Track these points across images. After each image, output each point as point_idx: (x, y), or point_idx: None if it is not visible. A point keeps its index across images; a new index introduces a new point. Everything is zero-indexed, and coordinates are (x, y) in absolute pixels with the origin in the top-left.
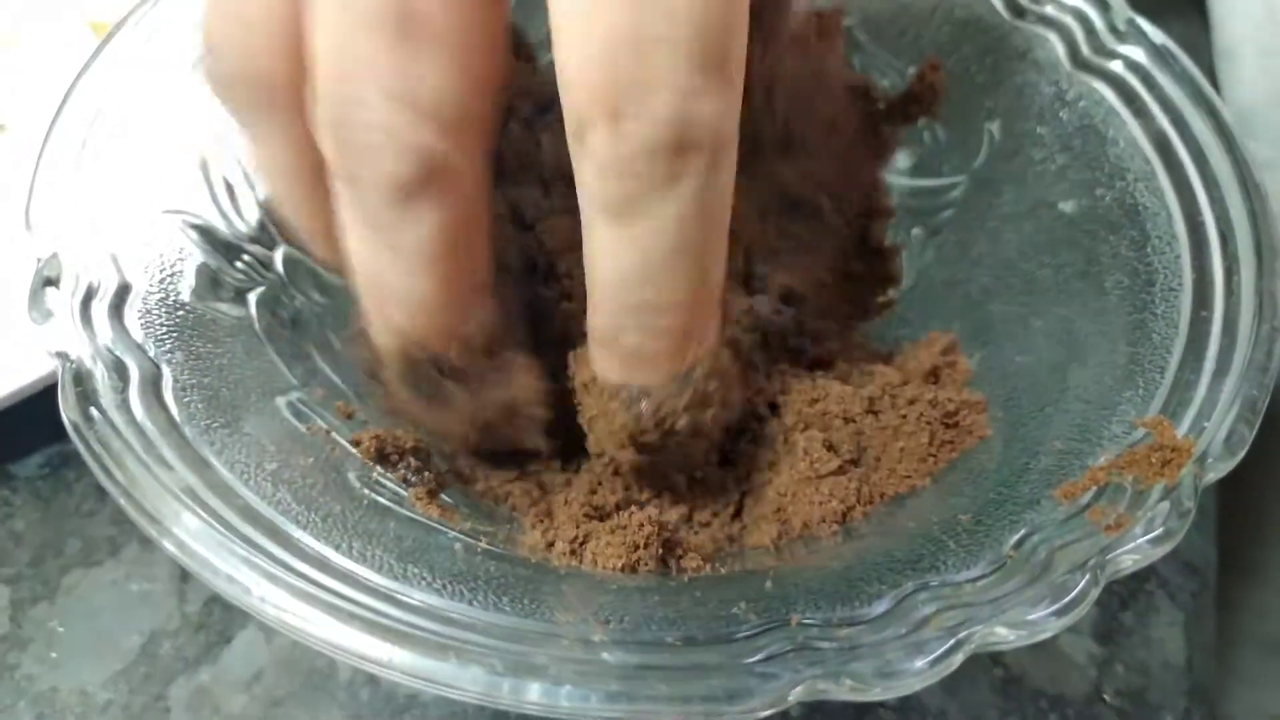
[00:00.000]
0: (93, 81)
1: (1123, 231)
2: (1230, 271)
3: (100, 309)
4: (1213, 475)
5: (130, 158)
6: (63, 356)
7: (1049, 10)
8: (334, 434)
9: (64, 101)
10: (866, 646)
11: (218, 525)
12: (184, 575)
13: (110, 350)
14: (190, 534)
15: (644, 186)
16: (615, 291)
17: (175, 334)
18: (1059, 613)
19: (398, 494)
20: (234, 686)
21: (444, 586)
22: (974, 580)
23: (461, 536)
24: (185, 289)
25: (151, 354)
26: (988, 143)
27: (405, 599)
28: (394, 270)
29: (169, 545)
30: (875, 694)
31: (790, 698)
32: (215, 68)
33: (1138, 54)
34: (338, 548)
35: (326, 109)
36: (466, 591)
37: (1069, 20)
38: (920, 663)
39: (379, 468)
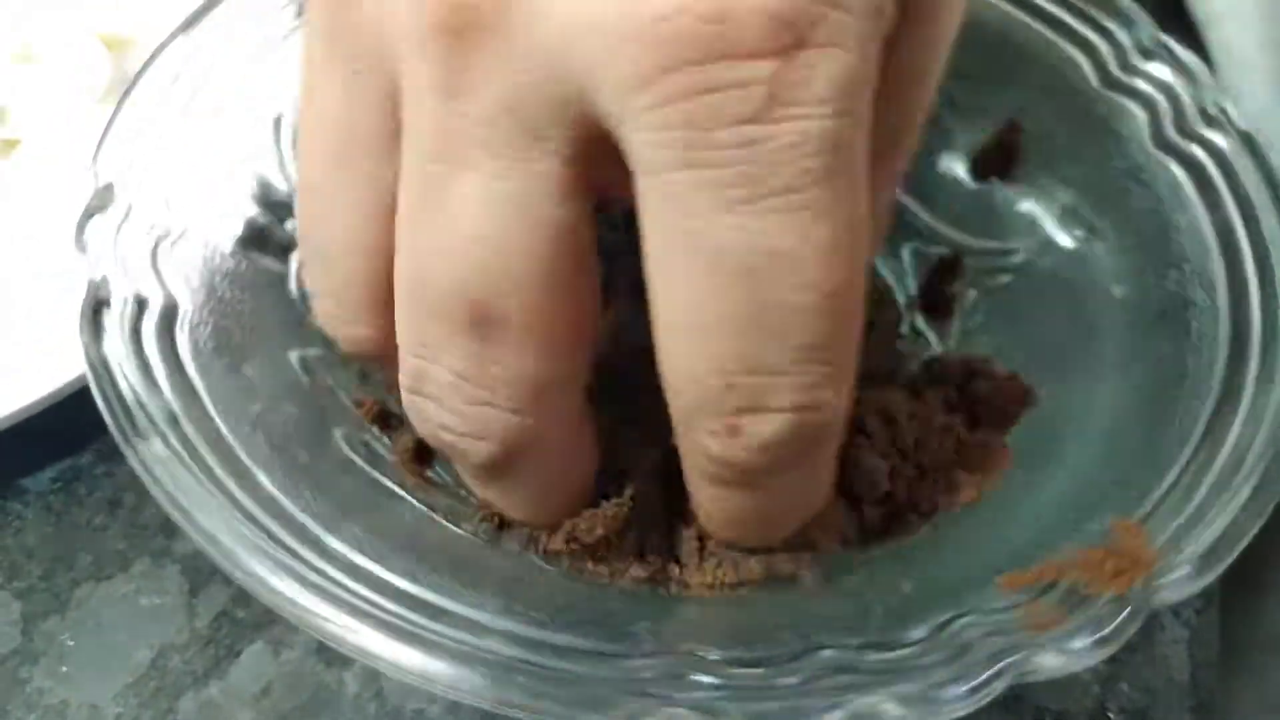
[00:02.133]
0: (179, 46)
1: (1166, 324)
2: (1261, 383)
3: (138, 241)
4: (1168, 597)
5: (203, 110)
6: (91, 281)
7: (1140, 83)
8: (338, 392)
9: (151, 58)
10: (906, 672)
11: (184, 454)
12: (194, 590)
13: (135, 278)
14: (154, 457)
15: (754, 480)
16: (714, 524)
17: (206, 274)
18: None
19: (381, 460)
20: (242, 701)
21: (382, 549)
22: (881, 647)
23: (422, 508)
24: (229, 238)
25: (173, 287)
26: (1053, 212)
27: (339, 556)
28: (503, 505)
29: (133, 462)
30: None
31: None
32: (319, 322)
33: (1221, 140)
34: (293, 496)
35: (405, 394)
36: (410, 563)
37: (1158, 96)
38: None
39: (375, 430)
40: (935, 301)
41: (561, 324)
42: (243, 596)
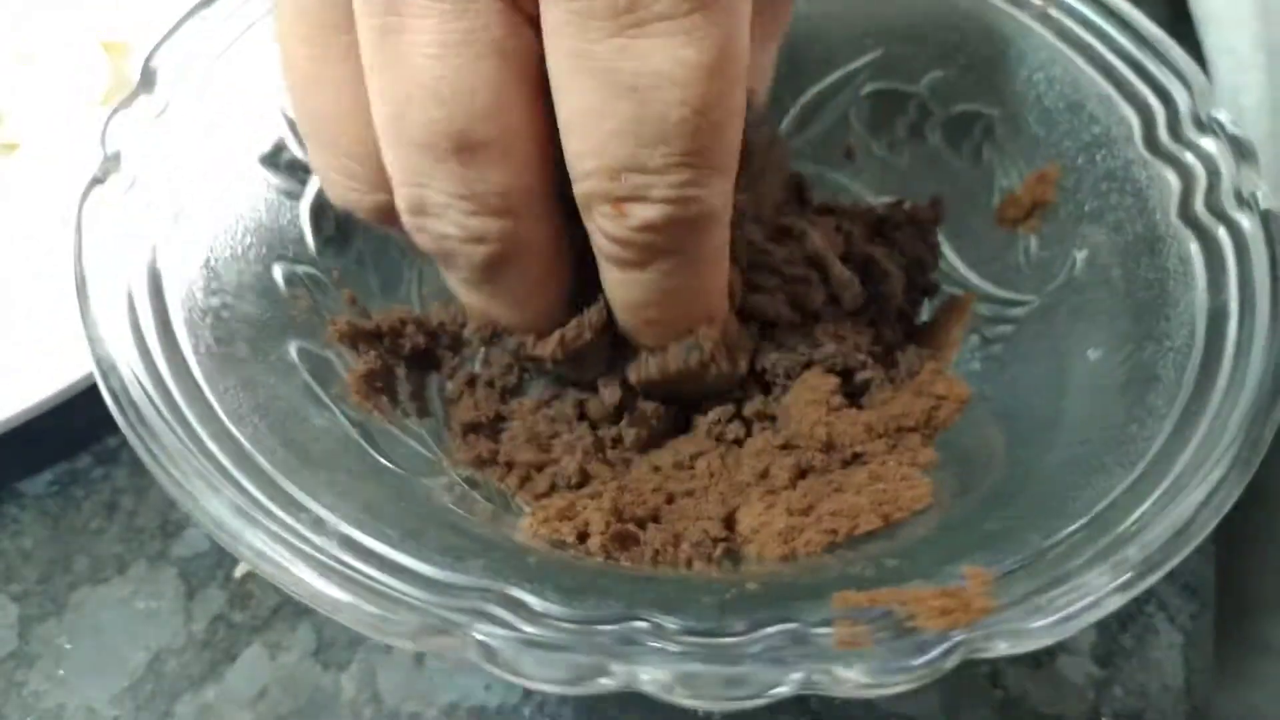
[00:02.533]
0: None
1: (1125, 394)
2: (1188, 472)
3: (136, 203)
4: (998, 649)
5: (220, 89)
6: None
7: (1185, 154)
8: (322, 311)
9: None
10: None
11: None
12: (190, 593)
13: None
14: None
15: (642, 258)
16: (624, 310)
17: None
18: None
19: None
20: (239, 704)
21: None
22: (706, 633)
23: (352, 432)
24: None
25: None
26: (1068, 270)
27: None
28: (499, 310)
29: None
30: (869, 692)
31: (784, 688)
32: (335, 201)
33: (1246, 222)
34: (236, 420)
35: (407, 220)
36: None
37: (1199, 170)
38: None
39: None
40: (937, 337)
41: (530, 138)
42: (239, 599)
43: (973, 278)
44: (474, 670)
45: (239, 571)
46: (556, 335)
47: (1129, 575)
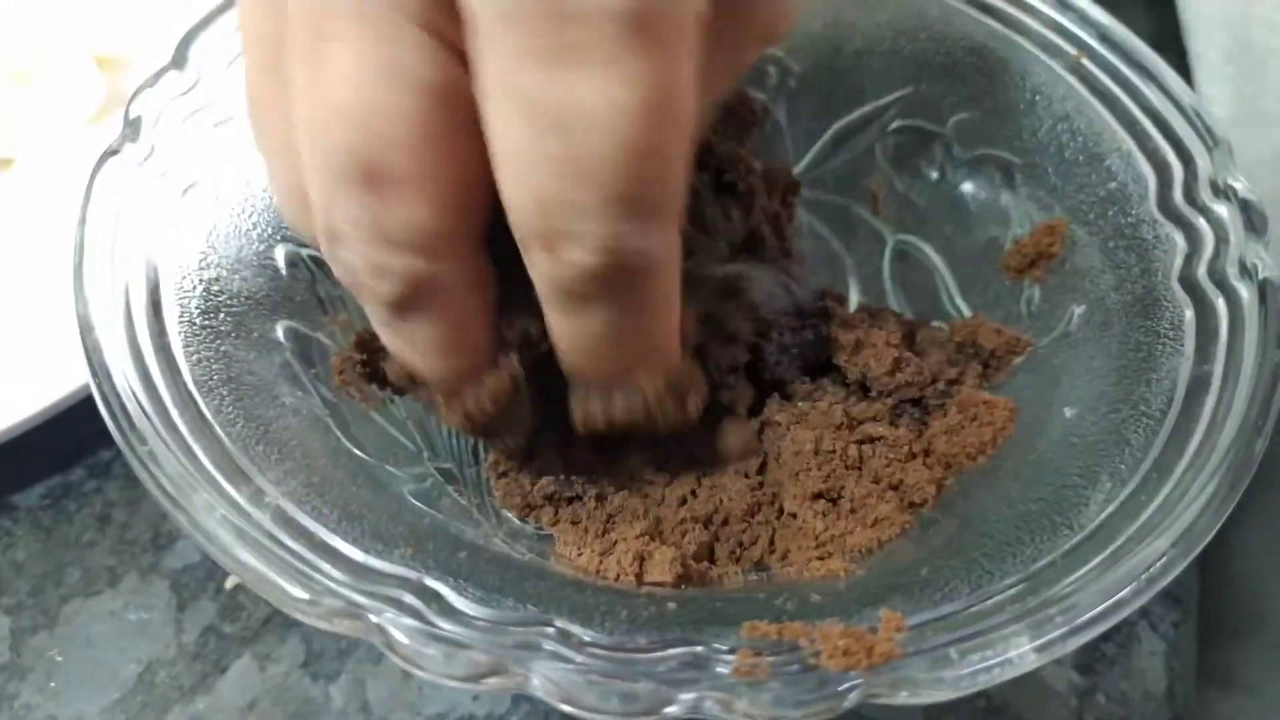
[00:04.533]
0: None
1: (1094, 454)
2: (1126, 546)
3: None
4: (899, 696)
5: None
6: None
7: (1196, 219)
8: (320, 294)
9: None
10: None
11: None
12: (180, 605)
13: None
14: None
15: (577, 302)
16: (566, 351)
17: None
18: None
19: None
20: (229, 715)
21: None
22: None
23: (322, 413)
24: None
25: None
26: (1065, 323)
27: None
28: (411, 356)
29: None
30: None
31: (674, 708)
32: (289, 226)
33: (1245, 293)
34: (204, 389)
35: (323, 247)
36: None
37: (1208, 234)
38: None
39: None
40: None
41: (448, 175)
42: (229, 611)
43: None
44: None
45: (229, 583)
46: (458, 408)
47: (1049, 638)
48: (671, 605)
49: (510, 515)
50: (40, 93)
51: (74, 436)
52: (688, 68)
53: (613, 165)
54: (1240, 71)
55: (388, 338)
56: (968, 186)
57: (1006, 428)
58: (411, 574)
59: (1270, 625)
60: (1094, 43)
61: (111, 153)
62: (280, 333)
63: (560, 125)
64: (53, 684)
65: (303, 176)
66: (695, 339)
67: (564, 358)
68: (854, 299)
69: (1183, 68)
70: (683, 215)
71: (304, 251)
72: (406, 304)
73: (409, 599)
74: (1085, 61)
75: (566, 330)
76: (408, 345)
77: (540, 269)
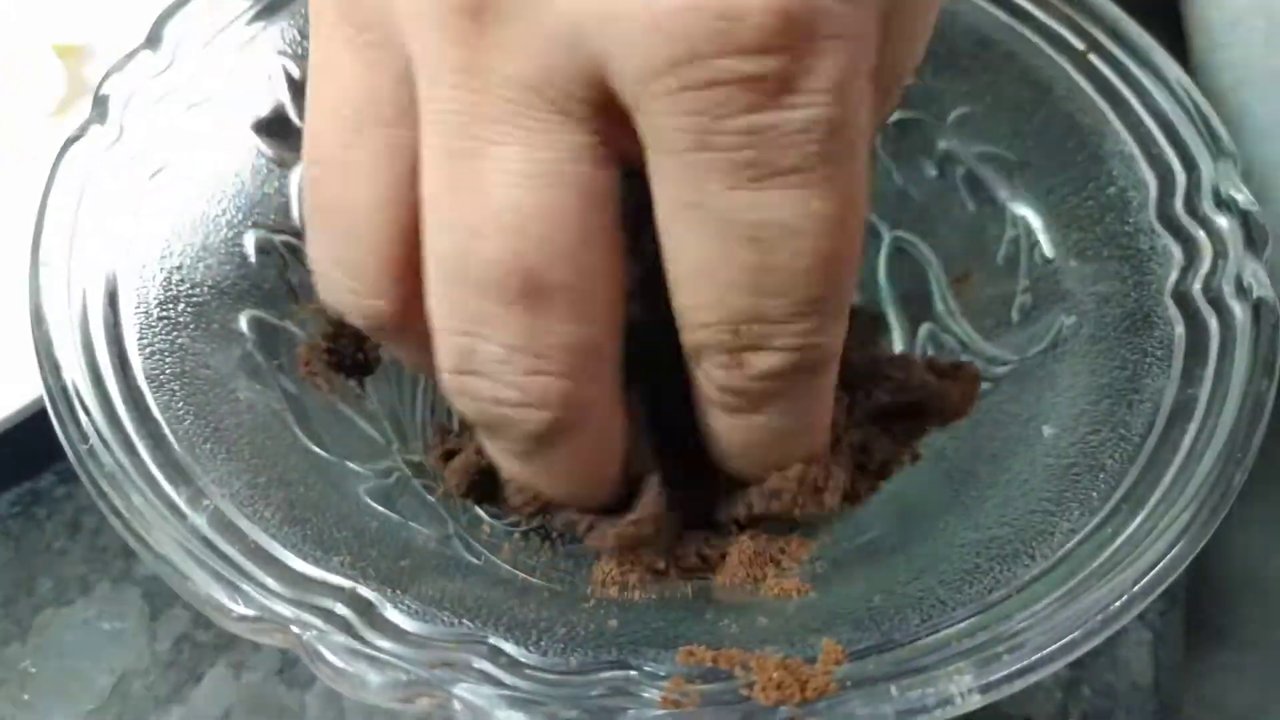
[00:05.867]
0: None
1: (1067, 479)
2: (1090, 578)
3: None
4: None
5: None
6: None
7: (1195, 230)
8: (289, 273)
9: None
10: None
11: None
12: (154, 613)
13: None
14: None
15: (756, 401)
16: (729, 452)
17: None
18: None
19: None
20: None
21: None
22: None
23: (281, 406)
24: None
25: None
26: (1053, 335)
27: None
28: (543, 484)
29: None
30: None
31: None
32: (323, 296)
33: (1239, 312)
34: (155, 384)
35: (447, 382)
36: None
37: (1206, 247)
38: None
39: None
40: None
41: (604, 286)
42: (203, 619)
43: (965, 327)
44: None
45: None
46: (613, 531)
47: (994, 678)
48: (613, 622)
49: (480, 510)
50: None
51: (43, 441)
52: (866, 167)
53: (808, 274)
54: (1249, 33)
55: (518, 469)
56: (966, 185)
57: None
58: (346, 582)
59: (1266, 584)
60: (1103, 38)
61: (76, 136)
62: (244, 323)
63: (756, 240)
64: (26, 696)
65: (377, 256)
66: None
67: (728, 460)
68: None
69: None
70: None
71: (277, 238)
72: (557, 433)
73: (340, 609)
74: (1093, 57)
75: (735, 434)
76: (547, 475)
77: (719, 379)
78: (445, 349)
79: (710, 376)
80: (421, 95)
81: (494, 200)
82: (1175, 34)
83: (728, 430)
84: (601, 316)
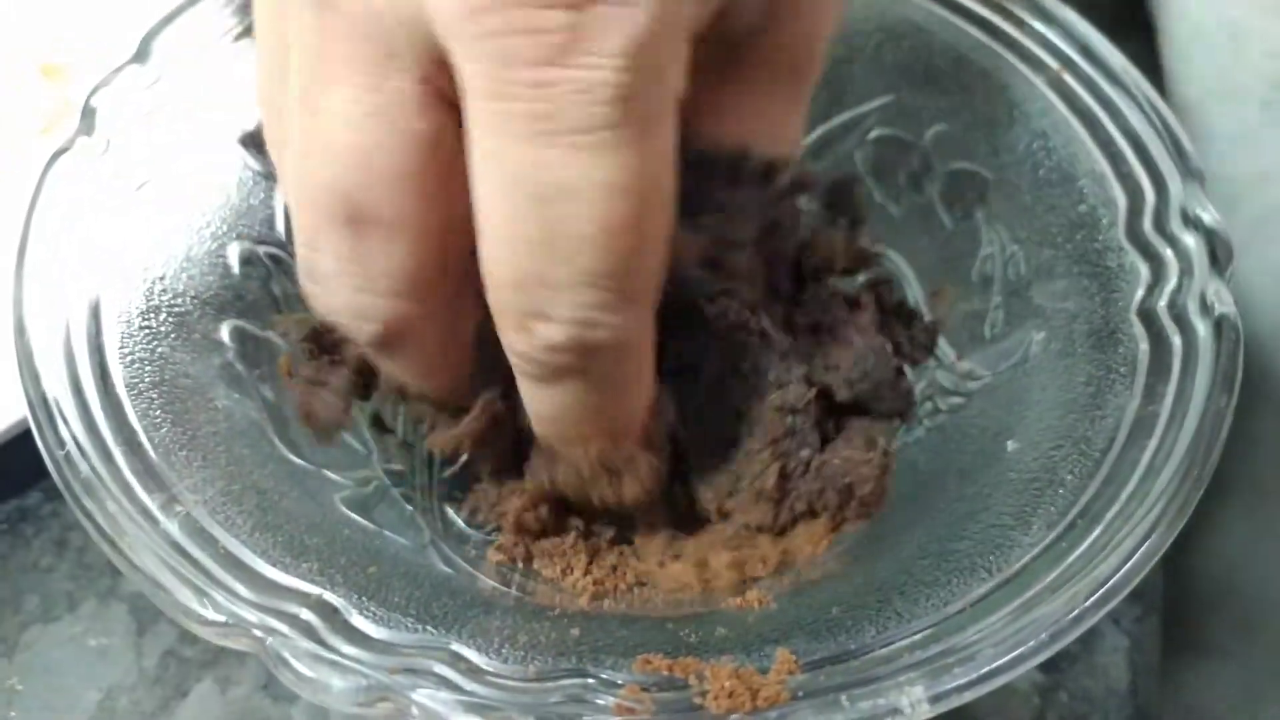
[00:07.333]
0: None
1: (1028, 494)
2: (1041, 595)
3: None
4: None
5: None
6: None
7: (1162, 249)
8: (272, 283)
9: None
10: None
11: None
12: (140, 629)
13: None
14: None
15: (548, 372)
16: (534, 420)
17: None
18: None
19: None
20: None
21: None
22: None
23: (259, 416)
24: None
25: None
26: (1024, 351)
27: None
28: (404, 377)
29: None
30: None
31: None
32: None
33: (1202, 330)
34: (134, 392)
35: (302, 281)
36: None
37: (1173, 266)
38: None
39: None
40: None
41: (431, 223)
42: (189, 634)
43: (940, 342)
44: None
45: None
46: (448, 434)
47: (945, 689)
48: (575, 631)
49: (457, 518)
50: None
51: (30, 460)
52: (667, 148)
53: (588, 241)
54: (1214, 46)
55: (376, 360)
56: (942, 201)
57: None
58: (314, 589)
59: (1242, 595)
60: (1077, 57)
61: (64, 149)
62: (225, 333)
63: (542, 199)
64: (13, 713)
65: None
66: (668, 426)
67: (535, 427)
68: None
69: (1146, 44)
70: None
71: (260, 249)
72: (385, 344)
73: (305, 614)
74: (1066, 76)
75: (535, 403)
76: (395, 371)
77: (511, 342)
78: (298, 258)
79: (506, 340)
80: (290, 28)
81: (328, 132)
82: (1148, 46)
83: (528, 397)
84: (427, 249)
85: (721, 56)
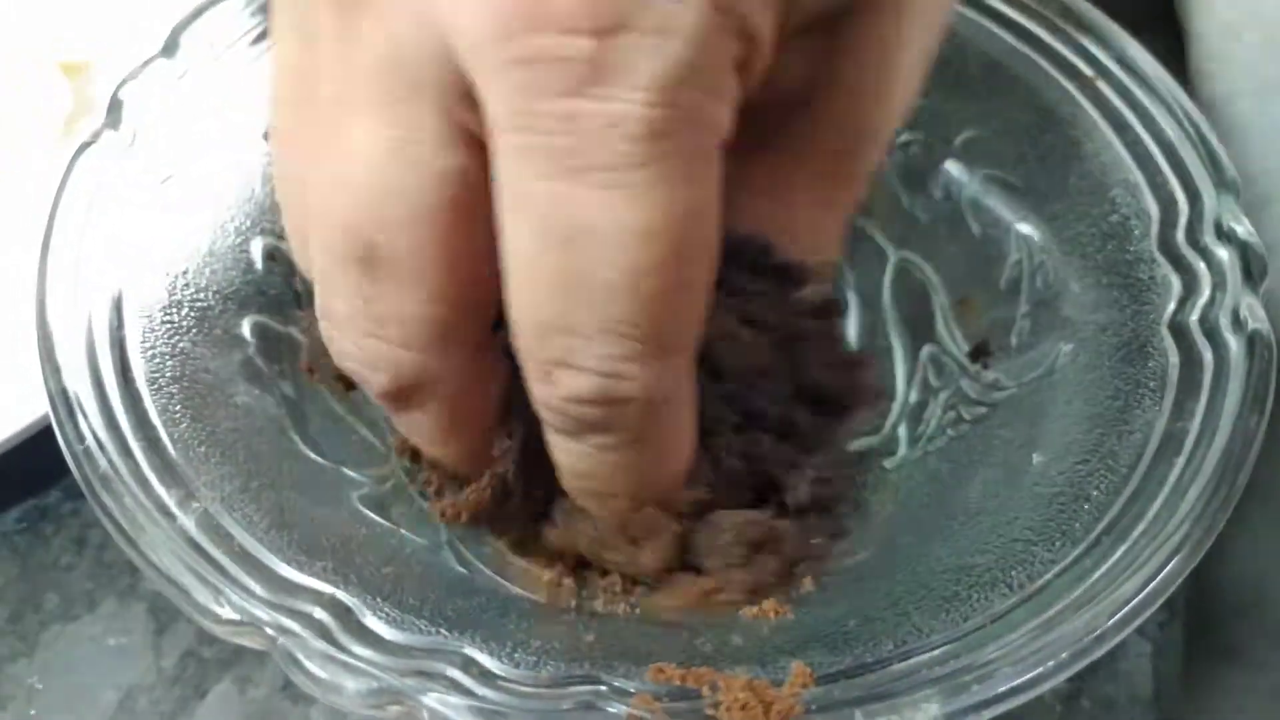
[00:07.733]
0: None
1: (1054, 507)
2: (1064, 611)
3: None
4: None
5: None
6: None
7: (1195, 261)
8: (294, 279)
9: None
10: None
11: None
12: (159, 629)
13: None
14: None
15: (574, 425)
16: (563, 474)
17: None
18: None
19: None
20: None
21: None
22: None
23: (279, 411)
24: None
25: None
26: (1051, 362)
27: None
28: (415, 439)
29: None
30: None
31: None
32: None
33: (1234, 346)
34: (154, 387)
35: (322, 327)
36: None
37: (1205, 279)
38: None
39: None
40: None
41: (449, 268)
42: (209, 635)
43: (966, 350)
44: None
45: None
46: (451, 502)
47: (959, 706)
48: (590, 637)
49: None
50: (6, 106)
51: (50, 458)
52: (707, 190)
53: (613, 288)
54: (1245, 43)
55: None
56: (971, 208)
57: None
58: (328, 588)
59: (1271, 603)
60: (1111, 64)
61: (90, 142)
62: (246, 328)
63: (569, 241)
64: (33, 712)
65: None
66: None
67: (563, 481)
68: (853, 316)
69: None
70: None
71: (283, 245)
72: (396, 398)
73: (319, 614)
74: (1100, 84)
75: (562, 456)
76: (408, 430)
77: (534, 390)
78: (317, 298)
79: (532, 390)
80: (315, 59)
81: (346, 167)
82: (1175, 44)
83: (554, 449)
84: (448, 296)
85: (755, 131)
